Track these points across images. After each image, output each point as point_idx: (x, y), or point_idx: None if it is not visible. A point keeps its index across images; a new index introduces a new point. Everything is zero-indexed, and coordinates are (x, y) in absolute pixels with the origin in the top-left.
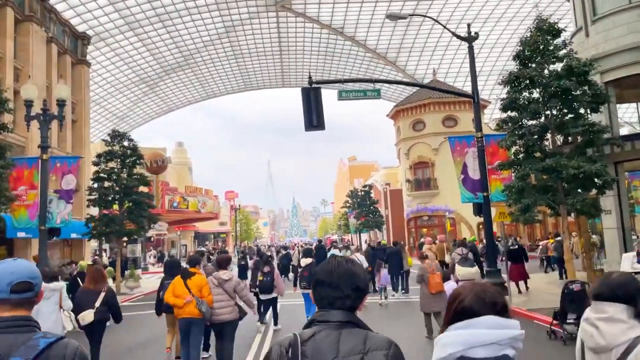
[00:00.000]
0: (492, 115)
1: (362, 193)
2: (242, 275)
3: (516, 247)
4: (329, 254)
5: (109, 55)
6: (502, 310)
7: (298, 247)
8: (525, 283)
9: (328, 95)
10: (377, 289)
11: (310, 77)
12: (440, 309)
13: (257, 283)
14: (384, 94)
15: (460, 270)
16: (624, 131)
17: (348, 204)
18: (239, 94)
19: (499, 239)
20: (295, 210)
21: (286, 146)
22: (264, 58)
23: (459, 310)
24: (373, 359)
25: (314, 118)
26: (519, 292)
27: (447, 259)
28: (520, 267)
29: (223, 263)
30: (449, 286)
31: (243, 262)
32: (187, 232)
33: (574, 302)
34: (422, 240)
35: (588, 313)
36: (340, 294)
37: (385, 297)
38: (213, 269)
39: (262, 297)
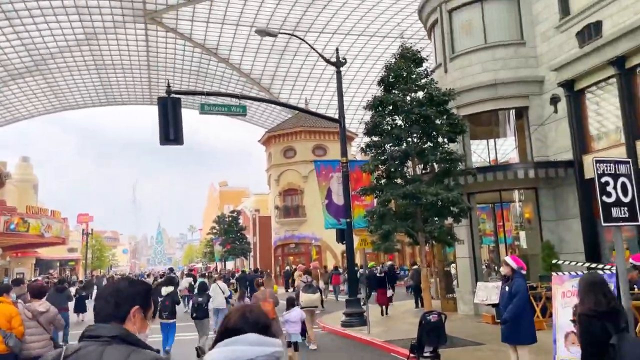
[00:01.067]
0: (359, 145)
1: (230, 219)
2: (79, 307)
3: (382, 275)
4: (182, 283)
5: None
6: (263, 329)
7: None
8: (386, 309)
9: (206, 118)
10: None
11: (168, 86)
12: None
13: None
14: (257, 119)
15: (303, 297)
16: (475, 165)
17: (215, 230)
18: (102, 108)
19: (378, 267)
20: (161, 236)
21: (154, 168)
22: (130, 72)
23: (228, 328)
24: None
25: (170, 131)
26: (386, 314)
27: (322, 284)
28: (385, 292)
29: (37, 292)
30: (295, 313)
31: (84, 293)
32: (27, 258)
33: (431, 333)
34: (287, 268)
35: None
36: (111, 308)
37: None
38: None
39: None
